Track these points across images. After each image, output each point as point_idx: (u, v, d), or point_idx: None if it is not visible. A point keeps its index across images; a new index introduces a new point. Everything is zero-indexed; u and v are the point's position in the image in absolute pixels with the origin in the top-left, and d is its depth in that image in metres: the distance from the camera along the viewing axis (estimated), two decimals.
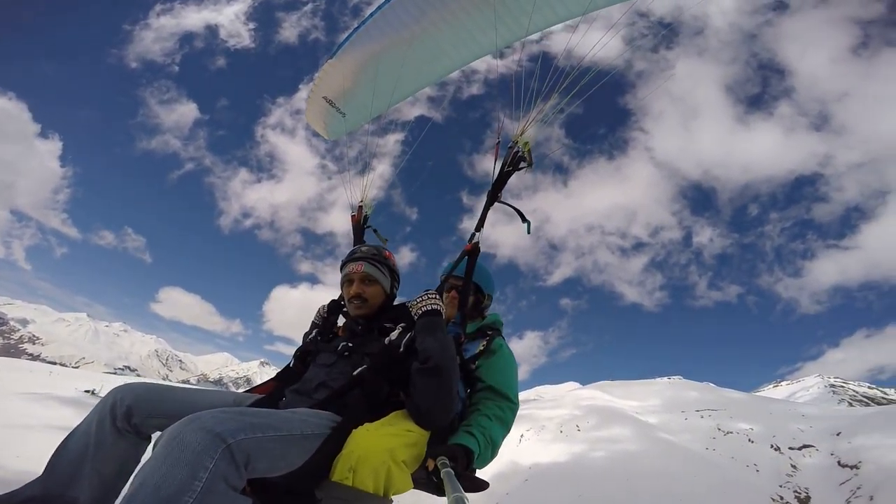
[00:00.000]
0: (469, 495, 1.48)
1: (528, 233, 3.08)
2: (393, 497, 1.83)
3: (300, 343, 2.77)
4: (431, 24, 3.79)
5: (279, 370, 2.69)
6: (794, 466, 34.68)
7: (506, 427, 2.37)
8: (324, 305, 2.89)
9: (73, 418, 13.18)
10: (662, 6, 3.14)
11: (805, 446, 37.09)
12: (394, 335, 2.29)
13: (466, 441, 2.05)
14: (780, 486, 31.75)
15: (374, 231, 3.66)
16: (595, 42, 3.15)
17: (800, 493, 31.07)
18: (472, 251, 2.92)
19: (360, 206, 3.73)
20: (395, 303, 2.66)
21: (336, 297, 2.87)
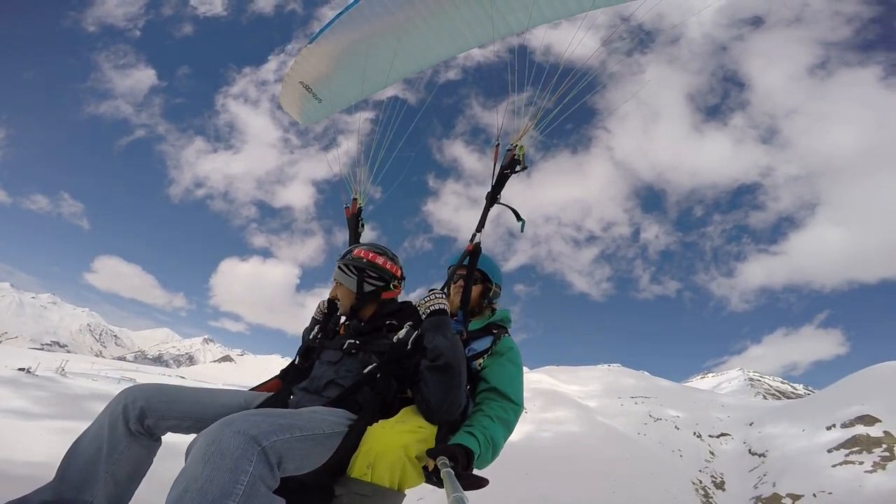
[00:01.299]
0: (468, 493, 1.50)
1: (522, 231, 3.21)
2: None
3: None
4: (419, 14, 3.72)
5: (283, 368, 2.70)
6: (712, 453, 38.18)
7: (508, 428, 2.36)
8: (324, 301, 2.89)
9: (12, 398, 12.73)
10: (645, 13, 3.20)
11: (723, 434, 40.82)
12: (402, 333, 2.29)
13: (467, 441, 2.03)
14: (700, 471, 34.80)
15: (362, 225, 3.71)
16: (577, 43, 3.24)
17: (716, 478, 34.38)
18: (474, 251, 2.96)
19: (355, 199, 3.72)
20: (401, 300, 2.69)
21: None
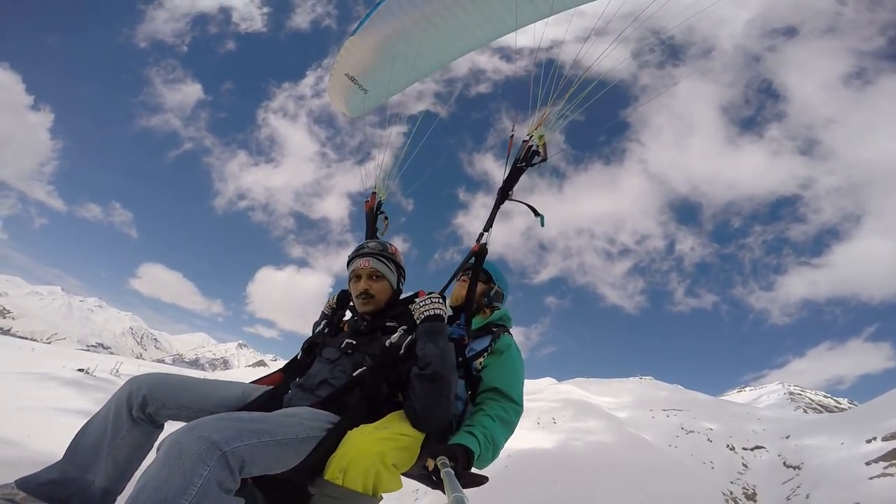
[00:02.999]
0: (468, 491, 1.52)
1: (543, 226, 2.98)
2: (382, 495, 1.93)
3: (303, 331, 2.75)
4: (454, 0, 3.73)
5: (287, 361, 2.71)
6: (745, 465, 37.71)
7: (509, 428, 2.35)
8: (333, 295, 2.87)
9: (76, 399, 13.51)
10: (674, 24, 3.12)
11: (757, 447, 40.17)
12: (394, 337, 2.29)
13: (467, 441, 2.04)
14: (732, 483, 34.73)
15: (385, 218, 3.57)
16: (607, 53, 3.17)
17: (748, 490, 34.11)
18: (480, 252, 2.81)
19: (374, 193, 3.62)
20: (402, 297, 2.66)
21: (345, 289, 2.86)
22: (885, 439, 31.43)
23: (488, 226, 2.90)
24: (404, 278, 2.66)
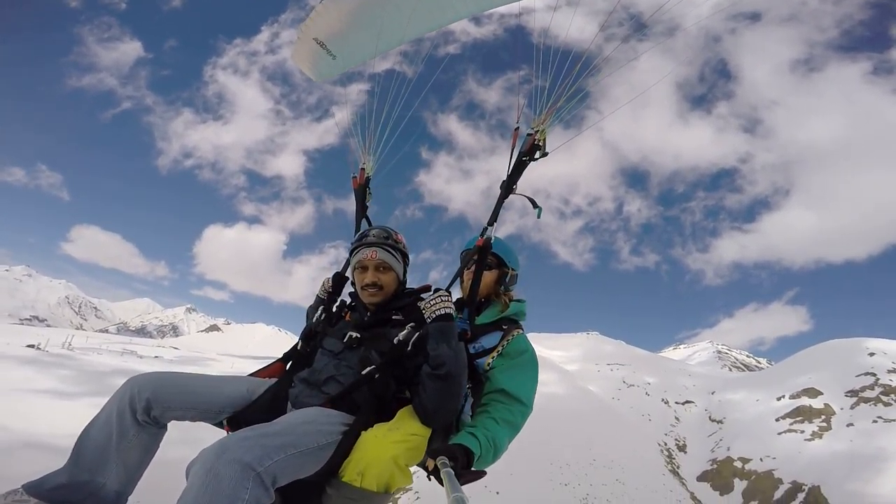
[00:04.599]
0: (466, 488, 1.58)
1: (539, 217, 2.94)
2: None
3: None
4: None
5: (286, 351, 2.68)
6: (677, 418, 41.90)
7: (514, 430, 2.33)
8: (328, 279, 2.82)
9: (40, 379, 13.17)
10: (648, 3, 3.05)
11: (688, 402, 44.43)
12: (402, 335, 2.26)
13: (467, 441, 2.04)
14: (665, 434, 38.57)
15: (369, 194, 3.42)
16: (576, 27, 3.06)
17: (679, 441, 38.18)
18: (484, 247, 2.71)
19: (363, 169, 3.42)
20: (406, 287, 2.63)
21: (340, 271, 2.83)
22: (791, 397, 35.71)
23: (493, 220, 2.81)
24: (408, 266, 2.62)
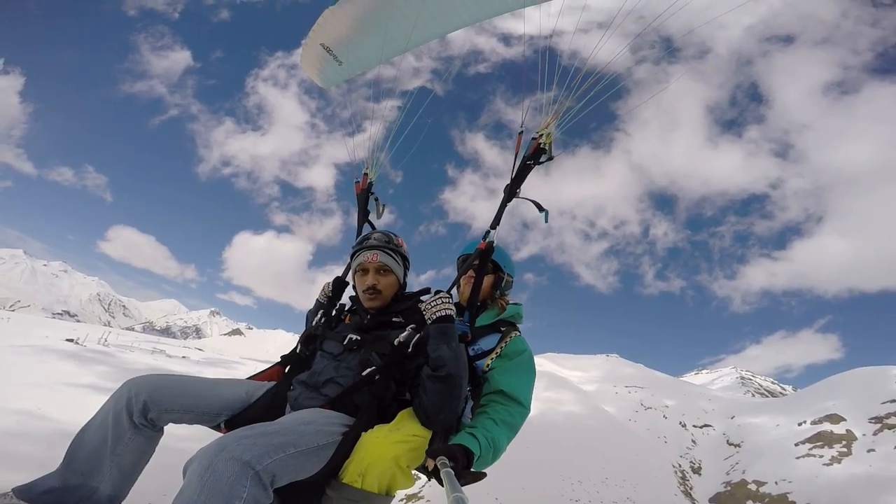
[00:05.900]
0: (466, 489, 1.58)
1: (546, 222, 2.92)
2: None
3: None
4: None
5: (285, 354, 2.64)
6: (693, 441, 41.47)
7: (513, 430, 2.32)
8: (328, 283, 2.81)
9: (79, 374, 13.37)
10: (678, 25, 2.96)
11: (706, 425, 43.95)
12: (403, 336, 2.23)
13: (467, 442, 2.02)
14: (681, 456, 38.40)
15: (375, 199, 3.41)
16: (610, 48, 2.99)
17: (694, 464, 37.97)
18: (486, 250, 2.71)
19: (366, 174, 3.45)
20: (407, 291, 2.62)
21: (340, 276, 2.82)
22: (813, 423, 35.04)
23: (495, 223, 2.79)
24: (409, 269, 2.62)
